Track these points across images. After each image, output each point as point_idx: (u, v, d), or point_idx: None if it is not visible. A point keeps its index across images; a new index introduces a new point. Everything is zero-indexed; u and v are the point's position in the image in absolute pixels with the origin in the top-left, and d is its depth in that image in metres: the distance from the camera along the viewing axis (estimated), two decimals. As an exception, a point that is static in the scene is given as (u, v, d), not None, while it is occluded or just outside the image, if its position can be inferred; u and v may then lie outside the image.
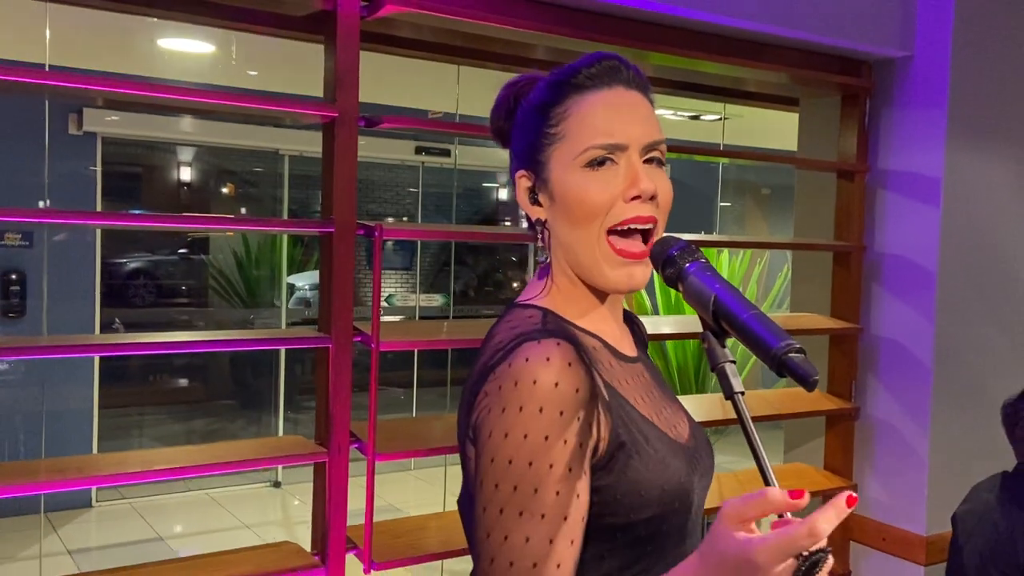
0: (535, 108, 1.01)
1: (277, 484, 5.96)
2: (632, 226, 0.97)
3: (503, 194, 11.54)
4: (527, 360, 0.91)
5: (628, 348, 1.07)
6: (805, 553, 0.72)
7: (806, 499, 0.74)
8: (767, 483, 0.78)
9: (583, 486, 0.91)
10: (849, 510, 0.73)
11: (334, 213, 1.98)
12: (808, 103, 3.01)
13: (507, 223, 11.16)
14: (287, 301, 6.38)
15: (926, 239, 2.62)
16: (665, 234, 0.98)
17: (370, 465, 2.02)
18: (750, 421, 0.82)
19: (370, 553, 2.01)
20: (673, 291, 3.64)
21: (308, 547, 2.06)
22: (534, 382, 0.89)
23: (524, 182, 1.04)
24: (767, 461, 0.80)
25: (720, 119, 5.40)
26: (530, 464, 0.89)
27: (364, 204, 10.54)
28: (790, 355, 0.79)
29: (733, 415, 0.81)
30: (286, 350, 6.04)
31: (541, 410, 0.89)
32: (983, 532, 2.16)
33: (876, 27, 2.62)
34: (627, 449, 0.94)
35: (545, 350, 0.91)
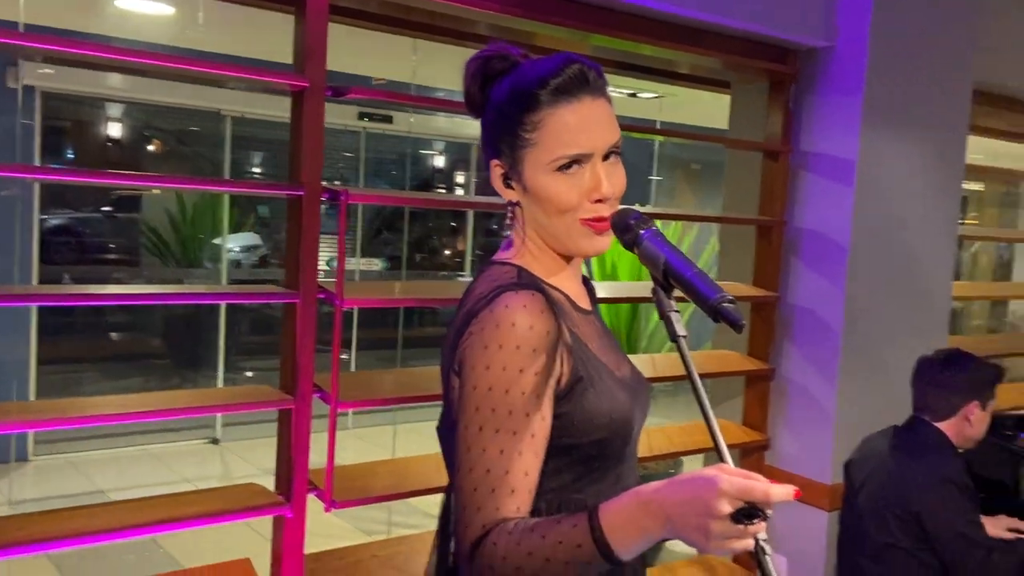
0: (511, 112, 1.17)
1: (215, 441, 6.04)
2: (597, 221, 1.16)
3: (439, 161, 11.62)
4: (507, 307, 1.10)
5: (585, 303, 1.27)
6: (751, 508, 0.89)
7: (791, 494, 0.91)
8: (703, 410, 0.99)
9: (548, 410, 1.11)
10: (796, 495, 0.92)
11: (303, 177, 2.11)
12: (739, 87, 3.23)
13: (441, 189, 11.29)
14: (226, 262, 6.41)
15: (840, 216, 2.88)
16: (622, 206, 1.17)
17: (333, 412, 2.18)
18: (690, 359, 1.03)
19: (331, 493, 2.18)
20: (609, 260, 3.88)
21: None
22: (512, 325, 1.09)
23: (498, 170, 1.21)
24: (704, 393, 1.01)
25: (657, 97, 5.62)
26: (506, 391, 1.08)
27: (283, 167, 10.50)
28: (724, 304, 1.01)
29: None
30: (227, 312, 6.12)
31: (518, 348, 1.08)
32: (877, 478, 2.43)
33: (801, 18, 2.84)
34: (584, 383, 1.14)
35: (522, 299, 1.10)
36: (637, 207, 1.35)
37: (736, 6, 2.68)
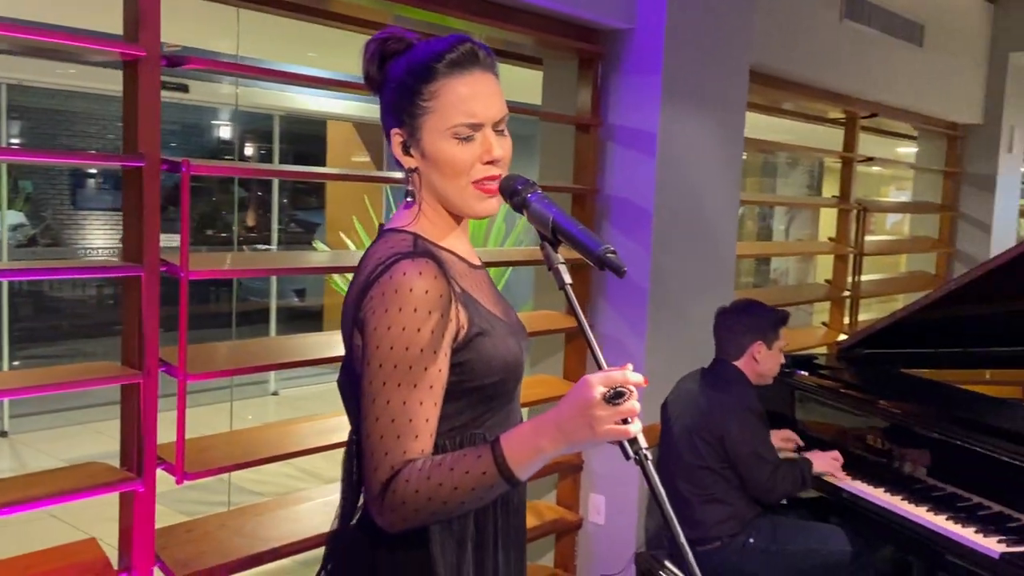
0: (410, 83, 1.27)
1: (4, 433, 5.61)
2: (488, 181, 1.29)
3: (225, 132, 11.20)
4: (404, 273, 1.21)
5: (475, 259, 1.39)
6: (617, 389, 1.11)
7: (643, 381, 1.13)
8: (595, 357, 1.16)
9: (444, 363, 1.23)
10: (645, 383, 1.13)
11: (140, 149, 2.08)
12: (550, 64, 3.44)
13: (227, 159, 10.91)
14: (6, 242, 5.91)
15: (644, 184, 3.16)
16: (508, 173, 1.31)
17: (181, 385, 2.18)
18: (578, 305, 1.20)
19: (183, 465, 2.18)
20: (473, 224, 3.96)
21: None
22: (410, 289, 1.20)
23: (398, 138, 1.31)
24: (592, 337, 1.18)
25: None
26: (406, 348, 1.20)
27: (60, 137, 9.77)
28: (607, 255, 1.18)
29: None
30: (8, 296, 5.68)
31: (415, 309, 1.20)
32: (689, 412, 2.75)
33: (606, 1, 3.08)
34: (480, 333, 1.27)
35: (418, 266, 1.22)
36: None
37: (548, -13, 2.85)
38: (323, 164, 8.27)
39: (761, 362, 2.79)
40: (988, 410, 2.62)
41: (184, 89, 5.91)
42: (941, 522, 2.36)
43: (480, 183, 1.28)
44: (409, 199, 1.32)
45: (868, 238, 5.20)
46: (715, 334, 2.87)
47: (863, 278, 5.04)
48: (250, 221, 10.18)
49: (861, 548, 2.67)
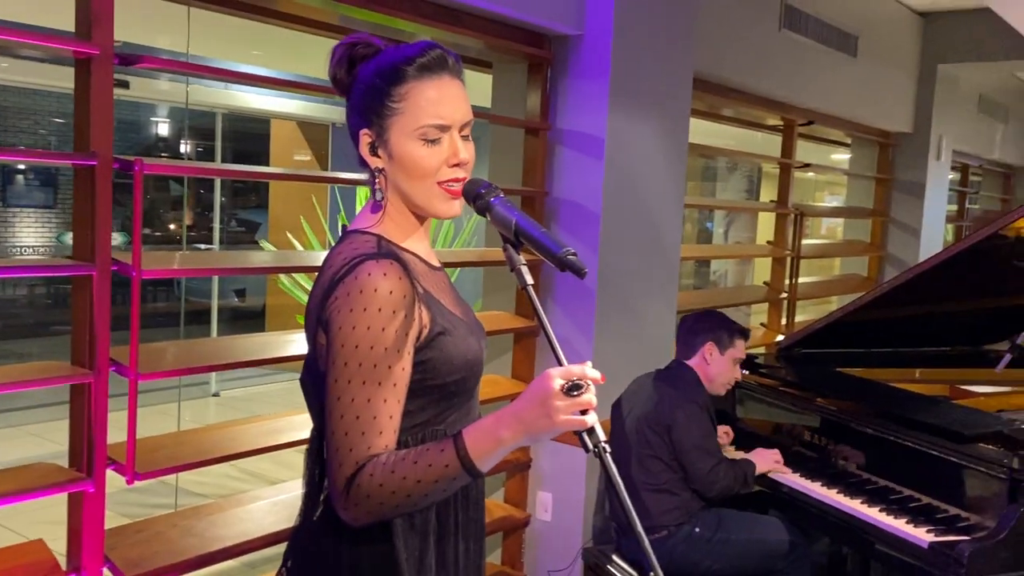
0: (380, 85, 1.30)
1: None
2: (454, 183, 1.33)
3: (165, 129, 11.03)
4: (369, 274, 1.24)
5: (435, 261, 1.43)
6: (575, 382, 1.16)
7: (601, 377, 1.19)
8: (555, 353, 1.21)
9: (407, 361, 1.26)
10: (602, 380, 1.19)
11: (94, 148, 2.07)
12: (500, 67, 3.49)
13: (164, 156, 10.74)
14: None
15: (592, 186, 3.23)
16: (472, 177, 1.35)
17: (133, 384, 2.17)
18: (537, 300, 1.26)
19: (134, 465, 2.17)
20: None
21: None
22: (374, 290, 1.23)
23: (366, 139, 1.34)
24: (553, 334, 1.23)
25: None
26: (371, 347, 1.23)
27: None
28: (568, 256, 1.23)
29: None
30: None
31: (379, 310, 1.23)
32: (641, 404, 2.84)
33: (555, 6, 3.14)
34: (442, 332, 1.30)
35: (382, 267, 1.25)
36: None
37: (499, -8, 2.90)
38: (266, 162, 8.19)
39: (712, 364, 2.88)
40: (918, 407, 2.74)
41: (125, 85, 5.81)
42: (874, 514, 2.47)
43: (445, 184, 1.32)
44: (375, 199, 1.35)
45: (804, 241, 5.37)
46: (677, 338, 3.00)
47: (800, 280, 5.20)
48: (188, 220, 10.02)
49: (798, 539, 2.78)
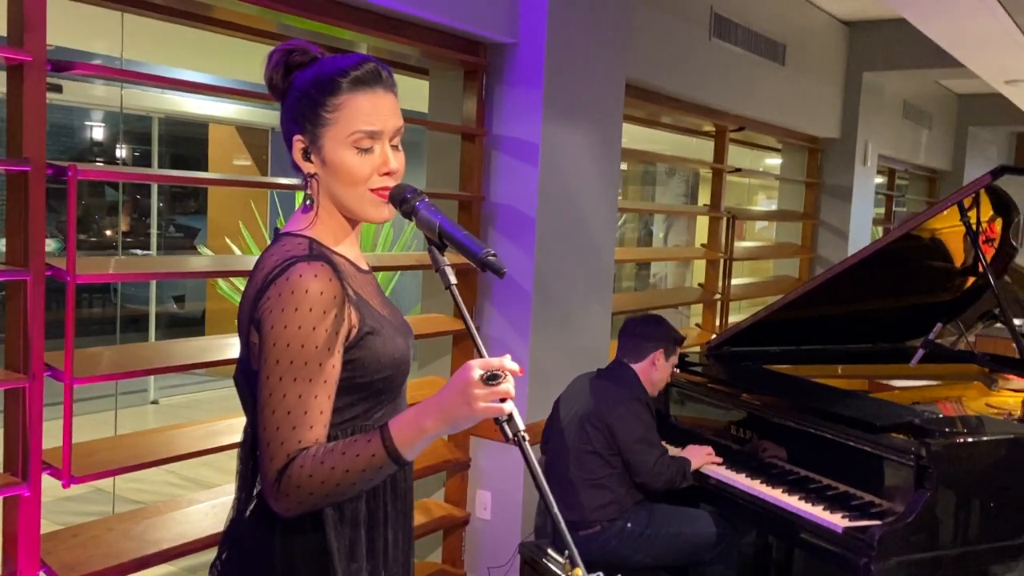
0: (315, 95, 1.36)
1: None
2: (384, 190, 1.39)
3: (97, 133, 10.82)
4: (300, 275, 1.29)
5: (364, 264, 1.49)
6: (493, 371, 1.23)
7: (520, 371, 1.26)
8: (476, 345, 1.28)
9: (337, 361, 1.32)
10: (520, 373, 1.25)
11: (27, 153, 2.08)
12: (437, 74, 3.55)
13: (99, 162, 10.56)
14: None
15: (528, 192, 3.31)
16: (399, 183, 1.40)
17: (68, 389, 2.19)
18: (462, 301, 1.32)
19: (70, 469, 2.18)
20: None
21: (-1, 472, 2.16)
22: (306, 290, 1.29)
23: (299, 145, 1.39)
24: (475, 329, 1.30)
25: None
26: (302, 346, 1.29)
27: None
28: (489, 257, 1.30)
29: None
30: None
31: (310, 309, 1.29)
32: (581, 401, 2.93)
33: (490, 15, 3.21)
34: (371, 332, 1.36)
35: (313, 269, 1.30)
36: None
37: (435, 1, 2.97)
38: (205, 167, 8.11)
39: (658, 369, 3.00)
40: (837, 401, 2.87)
41: (58, 89, 5.71)
42: (794, 502, 2.59)
43: (376, 191, 1.38)
44: (308, 203, 1.41)
45: (739, 244, 5.53)
46: (621, 339, 3.07)
47: (733, 282, 5.35)
48: (124, 226, 9.84)
49: (725, 530, 2.89)
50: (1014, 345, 2.97)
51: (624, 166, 10.53)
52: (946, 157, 8.60)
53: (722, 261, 5.21)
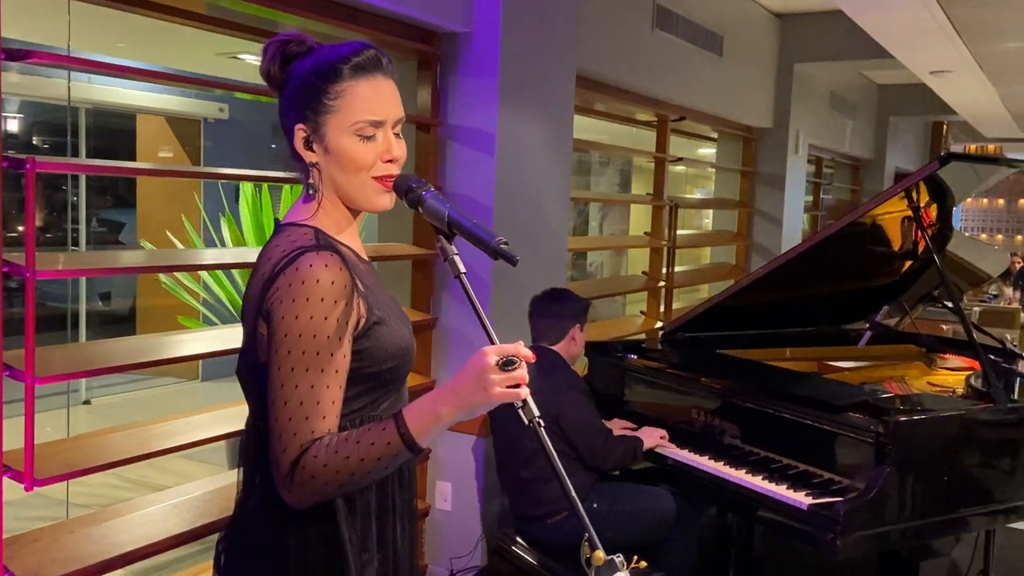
0: (316, 83, 1.34)
1: None
2: (387, 178, 1.39)
3: (13, 125, 10.39)
4: (310, 265, 1.28)
5: (365, 255, 1.47)
6: (508, 357, 1.24)
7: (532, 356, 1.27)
8: (488, 334, 1.28)
9: (348, 349, 1.31)
10: (533, 358, 1.27)
11: (-18, 144, 2.00)
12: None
13: (12, 153, 10.15)
14: None
15: (485, 181, 3.32)
16: (402, 172, 1.40)
17: (29, 388, 2.11)
18: (471, 290, 1.32)
19: (32, 471, 2.11)
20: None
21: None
22: (316, 280, 1.27)
23: (301, 133, 1.37)
24: (488, 321, 1.30)
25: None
26: (313, 336, 1.27)
27: None
28: (500, 246, 1.30)
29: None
30: None
31: (321, 300, 1.27)
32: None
33: (444, 4, 3.20)
34: (378, 322, 1.35)
35: (323, 259, 1.29)
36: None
37: (388, -11, 2.93)
38: (132, 159, 7.87)
39: (577, 343, 3.06)
40: (791, 382, 2.96)
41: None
42: (758, 482, 2.66)
43: (380, 178, 1.37)
44: (309, 192, 1.39)
45: (679, 232, 5.62)
46: (533, 322, 3.08)
47: (675, 269, 5.45)
48: (37, 222, 9.47)
49: (684, 507, 2.97)
50: (956, 324, 3.09)
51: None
52: (868, 146, 8.89)
53: (666, 249, 5.30)
